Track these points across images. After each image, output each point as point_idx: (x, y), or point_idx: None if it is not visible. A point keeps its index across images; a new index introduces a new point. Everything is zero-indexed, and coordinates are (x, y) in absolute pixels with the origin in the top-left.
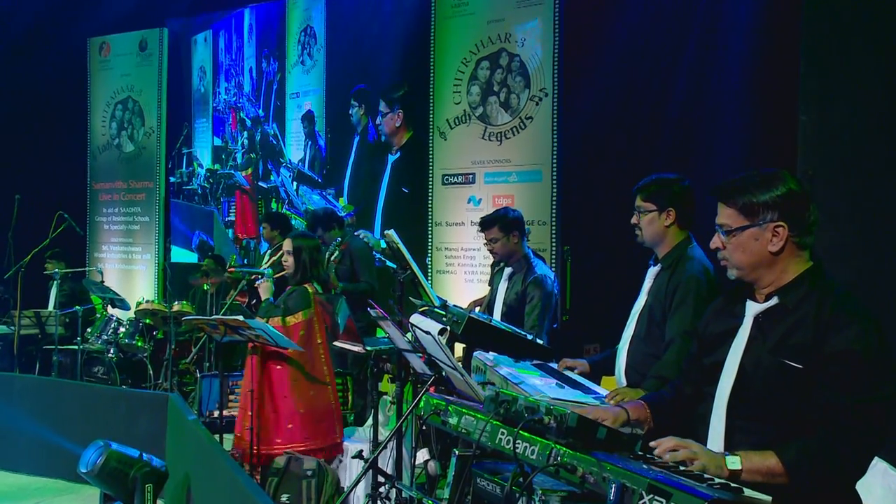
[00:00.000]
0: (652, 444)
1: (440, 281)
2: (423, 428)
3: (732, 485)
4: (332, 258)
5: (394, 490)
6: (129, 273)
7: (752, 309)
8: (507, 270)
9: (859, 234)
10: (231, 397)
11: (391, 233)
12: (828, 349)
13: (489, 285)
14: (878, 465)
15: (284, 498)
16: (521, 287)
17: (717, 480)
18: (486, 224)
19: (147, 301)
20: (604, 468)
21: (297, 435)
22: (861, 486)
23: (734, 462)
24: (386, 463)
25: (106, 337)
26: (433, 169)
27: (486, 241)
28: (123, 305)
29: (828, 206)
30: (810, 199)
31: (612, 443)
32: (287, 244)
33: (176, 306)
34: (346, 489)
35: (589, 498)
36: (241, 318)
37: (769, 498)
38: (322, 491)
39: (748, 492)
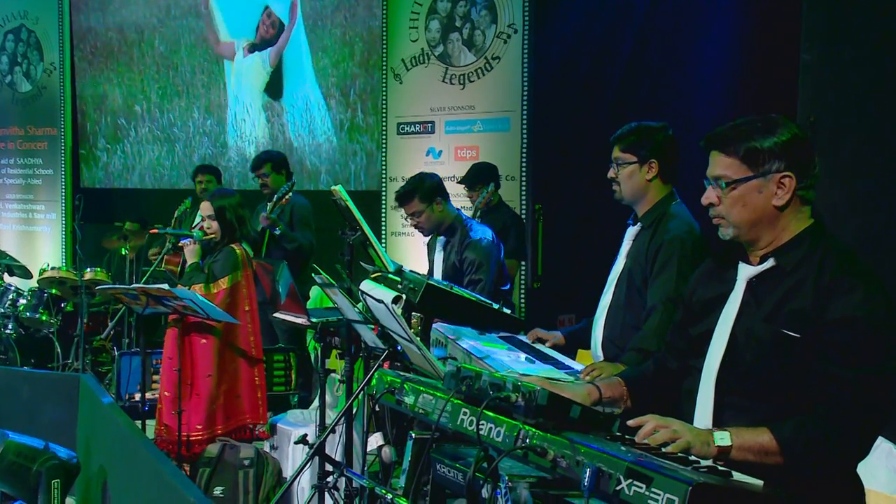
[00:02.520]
0: (630, 422)
1: (395, 244)
2: (376, 409)
3: (720, 468)
4: (271, 212)
5: (343, 479)
6: (30, 235)
7: (745, 272)
8: (441, 240)
9: (866, 189)
10: (155, 377)
11: (338, 189)
12: (829, 316)
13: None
14: (882, 446)
15: (218, 491)
16: (456, 257)
17: (703, 463)
18: (403, 198)
19: (53, 268)
20: (577, 451)
21: (220, 418)
22: (864, 469)
23: (723, 438)
24: (334, 449)
25: (2, 310)
26: (387, 116)
27: (408, 217)
28: (23, 273)
29: (831, 157)
30: (814, 148)
31: (587, 423)
32: (206, 208)
33: (88, 274)
34: (288, 479)
35: (561, 484)
36: (166, 286)
37: (760, 482)
38: (261, 482)
39: (737, 476)
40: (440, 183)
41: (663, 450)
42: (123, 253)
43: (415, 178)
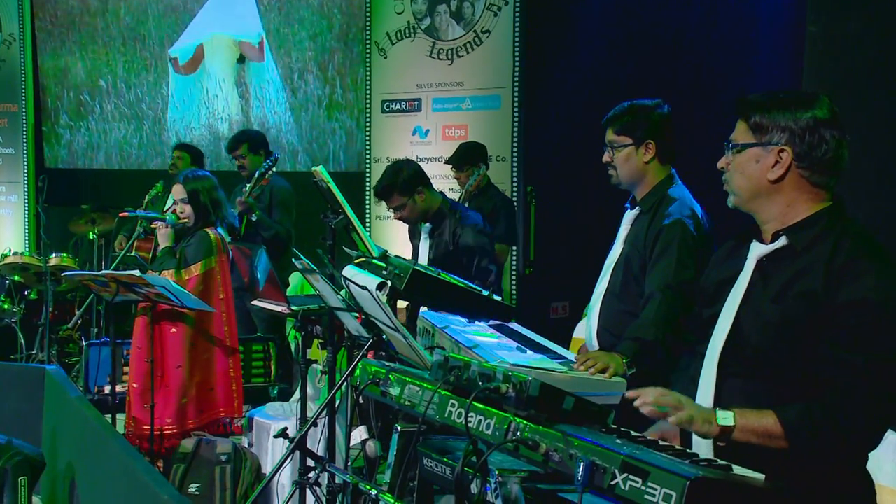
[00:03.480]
0: (628, 393)
1: (379, 228)
2: (360, 401)
3: (719, 461)
4: (251, 193)
5: (325, 475)
6: None
7: (756, 251)
8: (426, 227)
9: (875, 169)
10: (126, 369)
11: (320, 169)
12: (841, 299)
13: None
14: (890, 438)
15: (193, 488)
16: (450, 241)
17: (702, 457)
18: (381, 195)
19: (15, 253)
20: (571, 444)
21: (192, 412)
22: (870, 462)
23: (726, 418)
24: (316, 443)
25: None
26: (370, 94)
27: (391, 211)
28: None
29: None
30: (840, 133)
31: (581, 414)
32: (178, 191)
33: (53, 259)
34: (267, 475)
35: (553, 478)
36: (137, 273)
37: (762, 476)
38: (239, 478)
39: (738, 469)
40: (418, 170)
41: (661, 443)
42: (91, 237)
43: (391, 171)
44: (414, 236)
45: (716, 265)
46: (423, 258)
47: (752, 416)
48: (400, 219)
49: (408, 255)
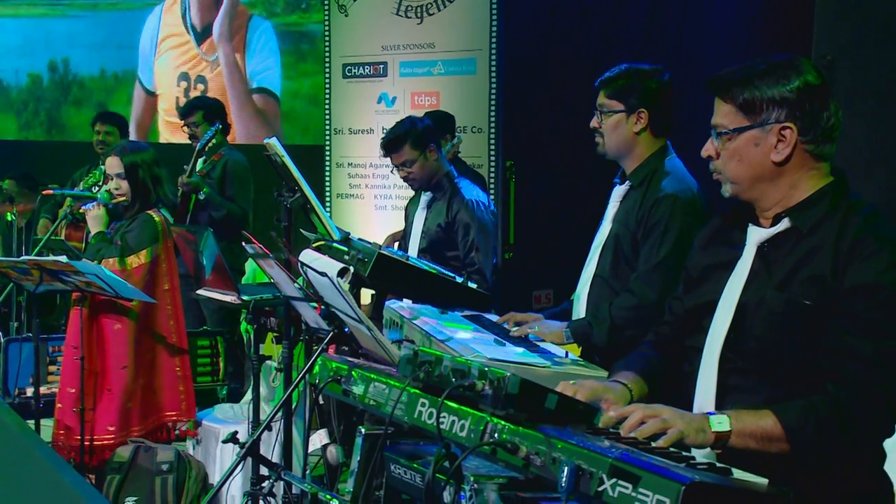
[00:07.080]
0: (612, 414)
1: (341, 207)
2: (320, 401)
3: (718, 465)
4: (199, 169)
5: (281, 484)
6: None
7: (756, 235)
8: (425, 196)
9: (892, 139)
10: (52, 368)
11: (273, 142)
12: (849, 282)
13: (405, 219)
14: None
15: (130, 501)
16: (445, 217)
17: (699, 460)
18: (391, 146)
19: None
20: (554, 446)
21: (136, 417)
22: (888, 463)
23: (721, 423)
24: (270, 449)
25: None
26: (330, 57)
27: (397, 168)
28: None
29: (851, 103)
30: (831, 96)
31: (566, 414)
32: (113, 164)
33: None
34: (215, 485)
35: (535, 485)
36: (64, 259)
37: (765, 480)
38: (183, 490)
39: (738, 473)
40: (432, 127)
41: (653, 445)
42: (10, 219)
43: (404, 122)
44: (407, 215)
45: (700, 250)
46: (417, 230)
47: (749, 418)
48: (405, 178)
49: (371, 237)
